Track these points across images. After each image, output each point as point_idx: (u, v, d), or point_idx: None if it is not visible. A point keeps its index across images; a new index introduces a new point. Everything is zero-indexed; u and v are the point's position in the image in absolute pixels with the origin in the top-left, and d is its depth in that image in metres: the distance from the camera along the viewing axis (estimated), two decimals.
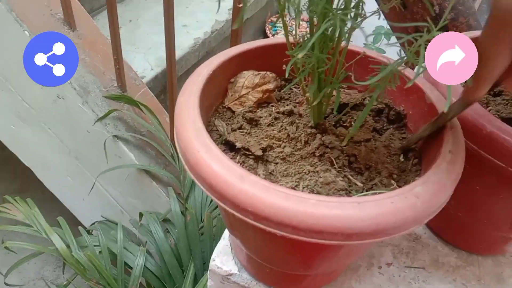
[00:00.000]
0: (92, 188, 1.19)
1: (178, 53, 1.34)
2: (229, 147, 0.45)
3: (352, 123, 0.46)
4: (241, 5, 0.73)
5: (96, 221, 1.28)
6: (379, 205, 0.35)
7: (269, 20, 1.95)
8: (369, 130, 0.46)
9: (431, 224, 0.62)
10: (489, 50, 0.32)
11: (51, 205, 1.47)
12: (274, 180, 0.41)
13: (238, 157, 0.44)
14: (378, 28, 1.63)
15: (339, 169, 0.42)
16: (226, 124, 0.47)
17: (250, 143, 0.44)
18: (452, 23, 0.62)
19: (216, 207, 1.12)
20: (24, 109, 1.14)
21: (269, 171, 0.42)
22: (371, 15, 0.37)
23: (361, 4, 0.38)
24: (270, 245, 0.44)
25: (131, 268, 1.05)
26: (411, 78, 0.46)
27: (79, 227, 1.11)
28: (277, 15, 2.01)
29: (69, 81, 1.01)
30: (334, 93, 0.49)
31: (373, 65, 0.40)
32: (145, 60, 1.30)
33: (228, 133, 0.45)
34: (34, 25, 0.98)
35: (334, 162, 0.42)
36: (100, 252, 1.06)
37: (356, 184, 0.42)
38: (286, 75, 0.35)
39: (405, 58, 0.36)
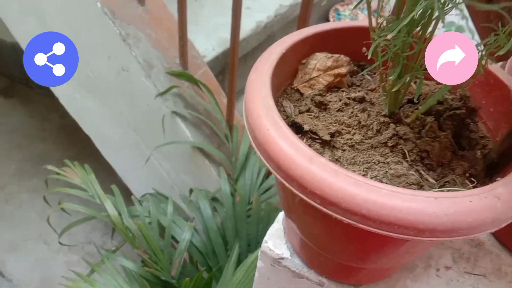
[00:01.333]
0: (147, 160, 1.22)
1: (240, 35, 1.34)
2: (295, 129, 0.44)
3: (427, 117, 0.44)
4: None
5: (147, 193, 1.32)
6: (457, 202, 0.33)
7: (334, 7, 1.91)
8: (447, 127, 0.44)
9: (496, 232, 0.58)
10: None
11: (104, 175, 1.53)
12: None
13: (304, 140, 0.43)
14: (448, 24, 1.55)
15: (411, 163, 0.40)
16: (294, 106, 0.46)
17: (318, 127, 0.43)
18: None
19: (265, 191, 1.12)
20: (89, 79, 1.18)
21: (336, 157, 0.41)
22: (460, 2, 0.35)
23: None
24: (330, 232, 0.43)
25: (177, 242, 1.08)
26: (496, 75, 0.44)
27: (132, 196, 1.14)
28: (342, 2, 1.96)
29: (134, 55, 1.04)
30: (413, 83, 0.47)
31: None
32: (207, 40, 1.31)
33: (295, 115, 0.45)
34: None
35: (407, 154, 0.40)
36: (149, 223, 1.09)
37: (428, 180, 0.40)
38: (369, 57, 0.34)
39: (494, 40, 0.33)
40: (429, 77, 0.49)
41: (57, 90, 1.34)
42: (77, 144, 2.13)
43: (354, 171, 0.39)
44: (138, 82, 1.08)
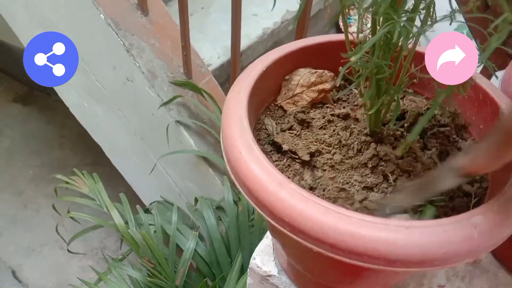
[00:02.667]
0: (153, 168, 1.23)
1: (246, 42, 1.34)
2: (276, 148, 0.43)
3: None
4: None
5: (155, 201, 1.32)
6: (429, 232, 0.31)
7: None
8: (431, 145, 0.42)
9: (495, 250, 0.56)
10: None
11: (119, 180, 1.55)
12: (321, 188, 0.39)
13: (284, 160, 0.42)
14: (459, 27, 1.51)
15: (393, 184, 0.39)
16: (276, 123, 0.45)
17: (298, 146, 0.42)
18: None
19: None
20: (97, 88, 1.20)
21: (316, 177, 0.40)
22: (441, 19, 0.34)
23: (432, 5, 0.34)
24: (310, 256, 0.41)
25: (183, 250, 1.08)
26: (486, 90, 0.42)
27: (137, 205, 1.15)
28: (351, 6, 1.94)
29: (138, 65, 1.05)
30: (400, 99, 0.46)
31: None
32: (213, 48, 1.31)
33: (276, 133, 0.44)
34: (109, 8, 1.02)
35: (390, 176, 0.39)
36: (155, 231, 1.10)
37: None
38: (339, 81, 0.33)
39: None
40: (417, 91, 0.48)
41: (67, 99, 1.36)
42: (93, 150, 2.16)
43: (330, 195, 0.38)
44: (143, 91, 1.09)
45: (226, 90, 1.22)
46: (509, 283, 0.54)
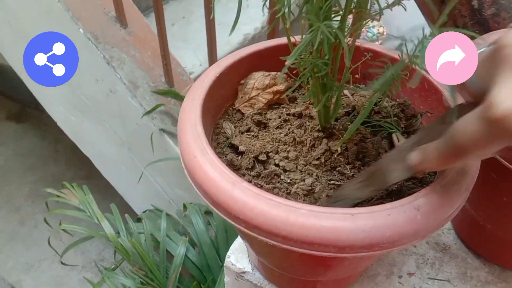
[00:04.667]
0: (140, 177, 1.25)
1: (227, 48, 1.36)
2: (235, 150, 0.45)
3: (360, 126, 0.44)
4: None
5: (147, 210, 1.34)
6: (374, 217, 0.33)
7: None
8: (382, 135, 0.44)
9: (463, 234, 0.58)
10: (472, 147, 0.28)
11: (114, 192, 1.57)
12: (278, 186, 0.41)
13: (243, 161, 0.44)
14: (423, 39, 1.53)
15: (348, 175, 0.41)
16: (235, 126, 0.47)
17: (255, 147, 0.44)
18: (493, 19, 0.57)
19: None
20: (81, 102, 1.22)
21: (273, 175, 0.42)
22: (381, 10, 0.35)
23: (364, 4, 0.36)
24: (274, 251, 0.43)
25: (174, 256, 1.09)
26: (430, 79, 0.44)
27: (126, 214, 1.17)
28: None
29: (119, 76, 1.07)
30: (350, 94, 0.48)
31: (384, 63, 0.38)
32: (195, 56, 1.33)
33: (235, 136, 0.46)
34: (87, 22, 1.04)
35: (343, 168, 0.40)
36: (145, 240, 1.11)
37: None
38: (279, 81, 0.35)
39: (406, 61, 0.34)
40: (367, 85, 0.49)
41: (54, 115, 1.38)
42: (88, 164, 2.18)
43: (289, 189, 0.40)
44: (126, 102, 1.11)
45: None
46: (478, 267, 0.56)
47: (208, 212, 1.16)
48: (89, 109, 1.23)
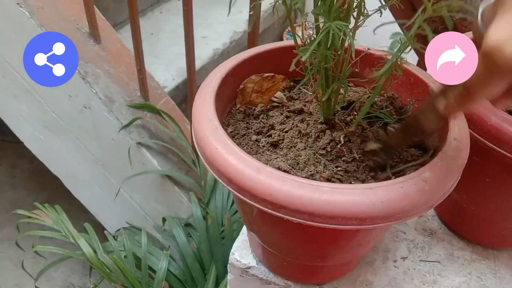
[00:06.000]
0: (117, 194, 1.23)
1: (198, 63, 1.38)
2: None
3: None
4: (252, 13, 0.76)
5: (121, 228, 1.32)
6: (390, 190, 0.37)
7: (287, 30, 1.99)
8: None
9: (446, 219, 0.63)
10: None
11: (78, 215, 1.52)
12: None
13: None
14: (394, 35, 1.64)
15: (356, 160, 0.44)
16: (239, 125, 0.50)
17: (265, 142, 0.46)
18: (461, 23, 0.64)
19: (236, 211, 1.14)
20: (52, 119, 1.20)
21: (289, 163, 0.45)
22: (373, 13, 0.40)
23: (363, 4, 0.40)
24: (287, 236, 0.46)
25: (155, 271, 1.08)
26: (415, 73, 0.49)
27: (105, 231, 1.15)
28: (295, 24, 2.04)
29: (94, 91, 1.06)
30: (342, 90, 0.52)
31: (378, 62, 0.42)
32: (166, 71, 1.35)
33: (242, 135, 0.48)
34: None
35: (356, 153, 0.44)
36: (125, 256, 1.09)
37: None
38: (290, 69, 0.38)
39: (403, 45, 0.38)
40: (359, 84, 0.54)
41: (21, 134, 1.34)
42: (48, 187, 2.11)
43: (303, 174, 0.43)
44: (101, 117, 1.10)
45: (183, 110, 1.25)
46: (462, 247, 0.61)
47: (188, 225, 1.16)
48: (60, 127, 1.21)
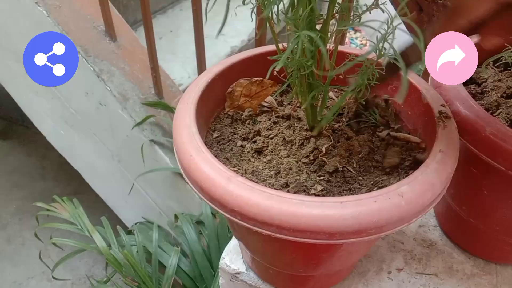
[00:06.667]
0: (131, 189, 1.25)
1: (215, 60, 1.38)
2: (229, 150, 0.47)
3: (344, 125, 0.47)
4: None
5: (137, 222, 1.34)
6: (361, 204, 0.35)
7: None
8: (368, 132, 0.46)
9: (448, 230, 0.60)
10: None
11: (103, 207, 1.57)
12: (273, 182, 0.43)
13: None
14: None
15: (339, 170, 0.43)
16: (226, 130, 0.49)
17: (249, 149, 0.46)
18: None
19: None
20: (71, 115, 1.23)
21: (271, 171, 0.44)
22: (363, 13, 0.38)
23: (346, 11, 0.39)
24: (268, 247, 0.45)
25: (166, 267, 1.09)
26: (409, 80, 0.47)
27: (118, 226, 1.17)
28: None
29: (109, 89, 1.08)
30: (333, 95, 0.50)
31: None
32: (183, 68, 1.36)
33: (228, 140, 0.48)
34: (77, 36, 1.06)
35: (338, 166, 0.42)
36: (137, 251, 1.11)
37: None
38: (267, 77, 0.37)
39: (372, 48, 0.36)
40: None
41: (43, 129, 1.38)
42: (76, 179, 2.17)
43: (282, 184, 0.42)
44: (116, 114, 1.12)
45: None
46: (463, 261, 0.58)
47: (199, 222, 1.17)
48: (78, 122, 1.24)
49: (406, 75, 0.32)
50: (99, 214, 1.34)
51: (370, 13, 0.39)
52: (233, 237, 0.60)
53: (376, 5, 0.37)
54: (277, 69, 0.34)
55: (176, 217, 1.19)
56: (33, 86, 1.22)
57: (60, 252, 1.34)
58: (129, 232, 1.22)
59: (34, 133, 2.41)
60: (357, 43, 1.85)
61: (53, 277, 1.28)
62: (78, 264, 1.94)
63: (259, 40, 0.84)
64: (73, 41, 1.02)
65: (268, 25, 0.40)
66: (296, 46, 0.32)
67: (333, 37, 0.39)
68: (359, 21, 0.36)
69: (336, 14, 0.39)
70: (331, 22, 0.39)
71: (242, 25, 1.52)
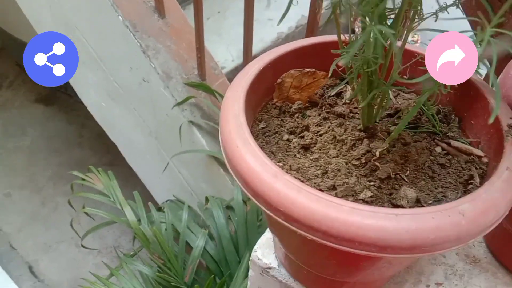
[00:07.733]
0: (165, 167, 1.26)
1: (260, 46, 1.36)
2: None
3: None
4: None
5: (168, 200, 1.35)
6: (419, 219, 0.33)
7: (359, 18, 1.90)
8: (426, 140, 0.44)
9: (494, 248, 0.57)
10: None
11: (136, 181, 1.59)
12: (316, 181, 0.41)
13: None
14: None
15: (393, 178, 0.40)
16: (273, 121, 0.47)
17: (296, 144, 0.44)
18: None
19: None
20: (114, 88, 1.24)
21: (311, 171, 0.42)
22: (429, 16, 0.35)
23: (419, 5, 0.36)
24: (306, 247, 0.43)
25: (193, 248, 1.10)
26: (477, 85, 0.43)
27: (149, 202, 1.18)
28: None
29: (153, 66, 1.08)
30: (394, 96, 0.47)
31: None
32: (227, 51, 1.34)
33: (274, 133, 0.46)
34: (127, 11, 1.06)
35: (390, 172, 0.40)
36: (166, 229, 1.12)
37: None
38: (329, 75, 0.34)
39: None
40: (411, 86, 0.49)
41: (85, 98, 1.41)
42: (112, 151, 2.21)
43: (329, 186, 0.40)
44: (158, 92, 1.12)
45: None
46: (508, 283, 0.55)
47: (229, 207, 1.16)
48: (120, 96, 1.25)
49: (499, 91, 0.29)
50: (130, 188, 1.36)
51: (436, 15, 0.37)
52: (267, 231, 0.59)
53: (455, 4, 0.34)
54: (342, 63, 0.31)
55: (206, 199, 1.19)
56: (80, 56, 1.23)
57: (90, 220, 1.38)
58: (159, 209, 1.23)
59: (75, 102, 2.47)
60: (407, 38, 1.79)
61: (82, 246, 1.31)
62: (106, 234, 1.99)
63: (311, 28, 0.81)
64: (123, 15, 1.03)
65: (332, 15, 0.37)
66: (370, 39, 0.29)
67: (404, 34, 0.36)
68: (435, 20, 0.33)
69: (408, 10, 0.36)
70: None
71: (292, 11, 1.48)
